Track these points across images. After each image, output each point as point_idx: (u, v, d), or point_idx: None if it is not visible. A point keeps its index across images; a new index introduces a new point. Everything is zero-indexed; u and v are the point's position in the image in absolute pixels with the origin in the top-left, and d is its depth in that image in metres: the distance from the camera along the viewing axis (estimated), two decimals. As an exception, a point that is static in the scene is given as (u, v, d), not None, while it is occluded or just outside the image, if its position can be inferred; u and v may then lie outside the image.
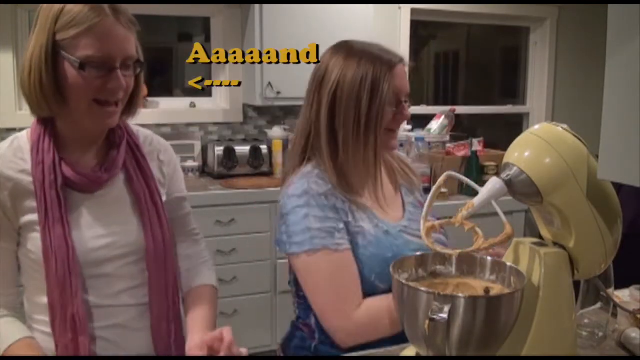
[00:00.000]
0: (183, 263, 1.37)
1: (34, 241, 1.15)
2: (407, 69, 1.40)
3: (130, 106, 1.23)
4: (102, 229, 1.19)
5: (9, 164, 1.16)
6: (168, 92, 3.55)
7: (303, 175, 1.34)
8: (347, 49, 1.36)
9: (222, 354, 1.09)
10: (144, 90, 1.25)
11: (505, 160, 1.06)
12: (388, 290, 1.25)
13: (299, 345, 1.40)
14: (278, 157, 3.25)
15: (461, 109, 4.02)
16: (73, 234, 1.15)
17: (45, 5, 1.12)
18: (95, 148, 1.23)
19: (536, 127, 1.07)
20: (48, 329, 1.17)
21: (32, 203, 1.15)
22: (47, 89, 1.11)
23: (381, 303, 1.28)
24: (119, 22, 1.12)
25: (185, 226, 1.40)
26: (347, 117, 1.32)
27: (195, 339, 1.15)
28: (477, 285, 1.10)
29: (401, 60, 1.37)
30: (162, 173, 1.33)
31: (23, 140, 1.20)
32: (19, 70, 1.16)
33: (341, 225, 1.30)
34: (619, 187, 1.10)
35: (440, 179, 1.10)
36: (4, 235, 1.17)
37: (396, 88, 1.34)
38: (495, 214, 1.05)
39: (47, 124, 1.18)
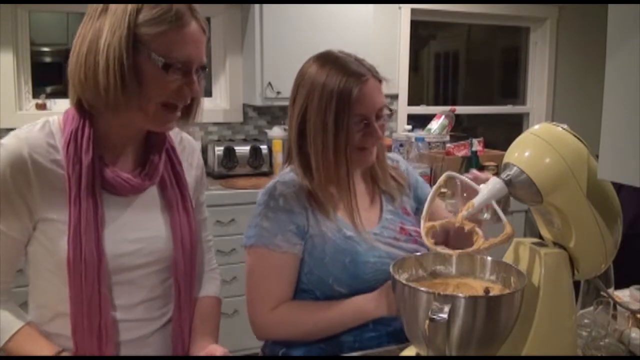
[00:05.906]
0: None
1: (59, 243, 1.05)
2: (379, 82, 1.33)
3: (190, 110, 1.15)
4: (132, 234, 1.12)
5: (41, 150, 1.06)
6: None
7: (279, 174, 1.40)
8: (318, 65, 1.32)
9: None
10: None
11: (505, 160, 1.06)
12: (348, 295, 1.30)
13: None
14: (278, 157, 3.24)
15: (461, 109, 4.02)
16: (104, 239, 1.08)
17: None
18: (136, 150, 1.16)
19: (536, 127, 1.07)
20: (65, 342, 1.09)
21: (61, 200, 1.06)
22: (129, 82, 1.02)
23: (301, 311, 1.31)
24: (199, 26, 1.08)
25: (201, 231, 1.34)
26: (316, 143, 1.30)
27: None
28: (477, 285, 1.10)
29: (371, 75, 1.31)
30: (192, 176, 1.27)
31: (55, 126, 1.10)
32: (76, 54, 1.04)
33: (291, 228, 1.31)
34: (619, 187, 1.10)
35: (440, 179, 1.11)
36: (18, 228, 1.07)
37: (363, 109, 1.29)
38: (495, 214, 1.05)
39: (85, 117, 1.08)
